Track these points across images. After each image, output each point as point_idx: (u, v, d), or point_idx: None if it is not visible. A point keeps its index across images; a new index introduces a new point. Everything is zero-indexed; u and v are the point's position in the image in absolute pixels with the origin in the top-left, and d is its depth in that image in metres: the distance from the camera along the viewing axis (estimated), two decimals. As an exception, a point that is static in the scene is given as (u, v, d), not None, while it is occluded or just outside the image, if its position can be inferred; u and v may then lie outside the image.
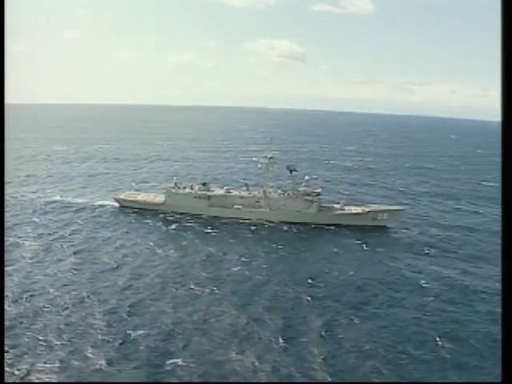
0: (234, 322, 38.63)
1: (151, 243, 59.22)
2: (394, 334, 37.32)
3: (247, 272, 50.17)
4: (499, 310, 38.30)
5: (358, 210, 74.39)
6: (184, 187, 79.43)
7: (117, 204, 79.00)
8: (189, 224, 70.12)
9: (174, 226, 68.82)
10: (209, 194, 77.12)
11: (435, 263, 54.73)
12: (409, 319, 39.99)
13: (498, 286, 45.70)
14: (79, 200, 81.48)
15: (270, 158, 78.24)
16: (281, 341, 35.58)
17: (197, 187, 78.69)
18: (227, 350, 34.19)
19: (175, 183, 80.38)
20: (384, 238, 66.17)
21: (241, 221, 71.86)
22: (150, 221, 70.96)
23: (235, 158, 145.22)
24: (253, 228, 68.99)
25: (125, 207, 77.31)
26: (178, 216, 73.60)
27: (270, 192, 76.59)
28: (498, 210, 79.07)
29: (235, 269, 51.13)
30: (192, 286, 45.76)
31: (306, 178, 77.85)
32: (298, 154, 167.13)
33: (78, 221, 68.60)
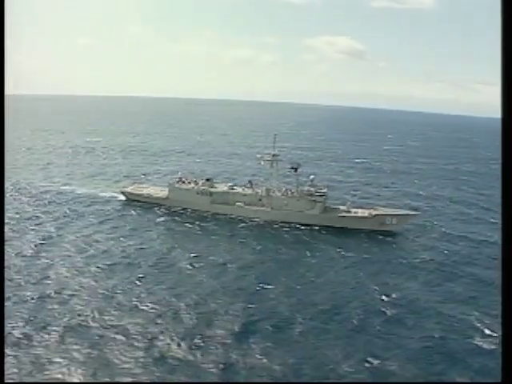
0: (146, 317, 38.27)
1: (121, 236, 59.58)
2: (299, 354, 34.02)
3: (196, 270, 49.15)
4: (462, 354, 34.27)
5: (365, 213, 70.40)
6: (189, 182, 78.99)
7: (121, 197, 79.86)
8: (178, 218, 69.83)
9: (162, 219, 68.99)
10: (211, 190, 76.00)
11: (417, 279, 49.52)
12: (328, 338, 36.33)
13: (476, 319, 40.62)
14: (84, 190, 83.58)
15: (274, 155, 75.97)
16: (183, 345, 34.22)
17: (200, 183, 77.99)
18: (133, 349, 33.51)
19: (180, 178, 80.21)
20: (377, 244, 61.62)
21: (238, 218, 70.38)
22: (138, 212, 71.67)
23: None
24: (242, 225, 67.32)
25: (130, 200, 77.99)
26: (175, 210, 73.44)
27: (273, 191, 74.34)
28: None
29: (181, 265, 50.47)
30: (132, 278, 45.84)
31: (311, 177, 74.98)
32: (328, 151, 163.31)
33: (67, 210, 70.47)
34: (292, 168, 74.81)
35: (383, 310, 41.13)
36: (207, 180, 78.72)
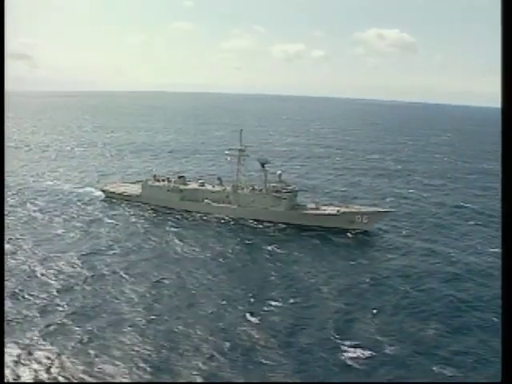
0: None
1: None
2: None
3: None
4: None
5: (334, 210, 67.32)
6: (163, 180, 79.15)
7: (98, 193, 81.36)
8: (131, 213, 71.68)
9: (114, 212, 71.45)
10: (181, 187, 75.99)
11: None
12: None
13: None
14: (65, 186, 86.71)
15: (240, 150, 74.34)
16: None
17: (173, 180, 78.11)
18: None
19: (154, 175, 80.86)
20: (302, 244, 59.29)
21: (198, 215, 70.73)
22: (91, 206, 74.54)
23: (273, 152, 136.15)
24: (189, 221, 67.84)
25: (108, 197, 79.15)
26: (136, 205, 74.68)
27: (241, 187, 72.85)
28: None
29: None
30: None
31: (278, 172, 71.66)
32: (344, 147, 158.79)
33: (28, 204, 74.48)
34: (259, 163, 71.77)
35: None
36: (179, 177, 78.75)
